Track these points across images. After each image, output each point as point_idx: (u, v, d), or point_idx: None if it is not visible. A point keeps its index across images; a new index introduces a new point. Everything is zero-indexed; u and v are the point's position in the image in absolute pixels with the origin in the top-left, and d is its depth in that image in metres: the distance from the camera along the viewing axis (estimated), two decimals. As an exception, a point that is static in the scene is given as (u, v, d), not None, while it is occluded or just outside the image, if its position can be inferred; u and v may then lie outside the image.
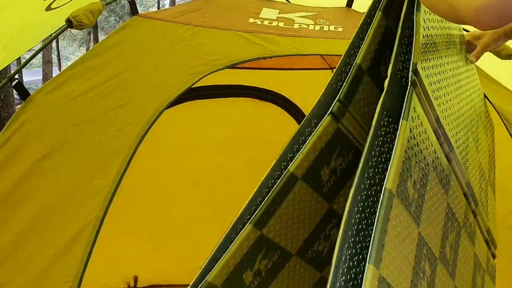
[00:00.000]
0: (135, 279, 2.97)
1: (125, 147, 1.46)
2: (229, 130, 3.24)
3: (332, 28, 2.03)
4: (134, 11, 1.60)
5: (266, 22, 1.86)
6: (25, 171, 1.36)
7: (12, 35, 2.14)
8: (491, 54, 1.92)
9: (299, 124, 3.44)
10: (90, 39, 22.94)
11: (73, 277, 1.41)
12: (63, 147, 1.41)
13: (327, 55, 1.76)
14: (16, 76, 1.48)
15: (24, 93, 1.42)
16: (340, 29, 2.03)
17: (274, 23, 1.88)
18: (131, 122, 1.48)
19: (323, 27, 2.03)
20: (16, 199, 1.35)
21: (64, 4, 2.03)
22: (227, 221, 3.52)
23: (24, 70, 19.72)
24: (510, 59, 1.94)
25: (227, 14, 1.85)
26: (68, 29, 1.74)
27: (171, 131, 3.07)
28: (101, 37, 24.74)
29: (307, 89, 3.39)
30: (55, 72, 19.23)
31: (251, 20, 1.84)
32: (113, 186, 1.42)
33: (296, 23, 1.99)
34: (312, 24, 2.02)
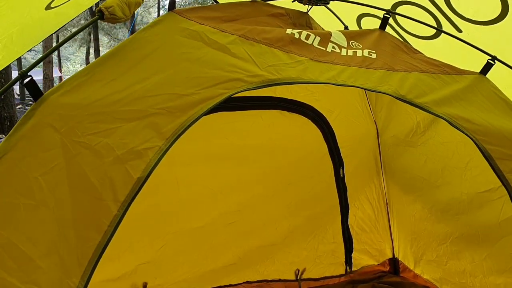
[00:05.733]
0: (144, 285, 2.86)
1: (142, 165, 1.27)
2: (254, 141, 3.09)
3: (365, 53, 1.93)
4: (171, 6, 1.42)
5: (303, 36, 1.73)
6: (28, 185, 1.17)
7: (11, 34, 1.99)
8: None
9: (323, 134, 3.23)
10: (90, 39, 22.68)
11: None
12: (73, 160, 1.22)
13: (355, 86, 1.75)
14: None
15: (36, 92, 1.21)
16: (374, 56, 1.93)
17: (311, 37, 1.76)
18: (153, 137, 1.30)
19: (356, 51, 1.93)
20: (15, 218, 1.16)
21: (63, 3, 1.89)
22: (240, 230, 3.31)
23: (23, 70, 19.30)
24: None
25: (267, 27, 1.70)
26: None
27: (192, 141, 2.89)
28: (101, 37, 24.47)
29: (335, 100, 3.28)
30: (55, 72, 18.88)
31: (289, 31, 1.70)
32: (121, 211, 1.23)
33: (331, 41, 1.89)
34: (345, 48, 1.93)
